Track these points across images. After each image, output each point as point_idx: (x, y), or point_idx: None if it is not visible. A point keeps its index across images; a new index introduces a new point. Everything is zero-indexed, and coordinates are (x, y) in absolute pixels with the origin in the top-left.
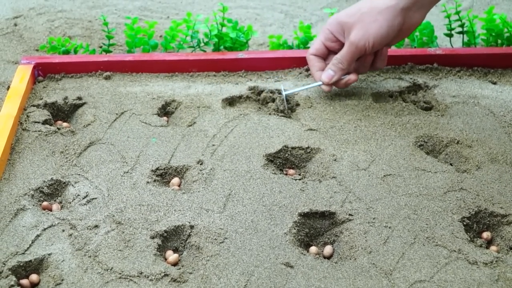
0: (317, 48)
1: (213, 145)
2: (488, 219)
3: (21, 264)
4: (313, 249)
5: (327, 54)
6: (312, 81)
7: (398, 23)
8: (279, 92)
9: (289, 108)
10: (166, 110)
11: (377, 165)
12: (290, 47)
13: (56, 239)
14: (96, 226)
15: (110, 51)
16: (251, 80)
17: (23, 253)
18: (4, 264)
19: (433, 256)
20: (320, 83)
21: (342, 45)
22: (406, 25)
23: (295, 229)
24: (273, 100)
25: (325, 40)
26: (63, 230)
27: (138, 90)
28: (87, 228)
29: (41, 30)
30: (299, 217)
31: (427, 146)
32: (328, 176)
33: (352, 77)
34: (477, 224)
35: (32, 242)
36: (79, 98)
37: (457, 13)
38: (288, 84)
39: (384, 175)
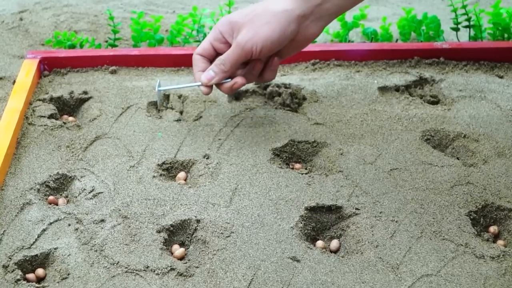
0: (204, 47)
1: (219, 139)
2: (495, 213)
3: (27, 258)
4: (319, 243)
5: (214, 55)
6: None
7: (291, 30)
8: (154, 88)
9: (296, 103)
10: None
11: (383, 159)
12: None
13: (62, 234)
14: (102, 220)
15: (116, 46)
16: None
17: (29, 248)
18: (10, 258)
19: (440, 250)
20: (200, 83)
21: (230, 47)
22: (300, 36)
23: (301, 223)
24: (279, 94)
25: (214, 40)
26: (69, 225)
27: (144, 84)
28: (93, 222)
29: (46, 25)
30: (305, 211)
31: (434, 140)
32: (335, 170)
33: (239, 80)
34: (484, 218)
35: (38, 237)
36: (85, 93)
37: (464, 7)
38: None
39: (391, 169)
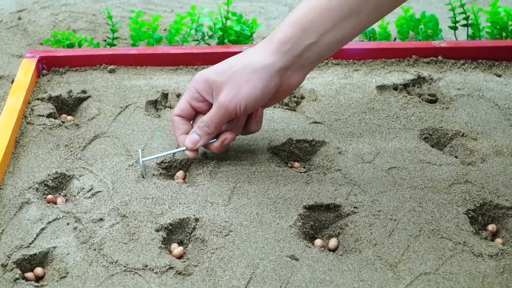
0: (182, 108)
1: None
2: (493, 211)
3: (26, 257)
4: (318, 241)
5: (194, 115)
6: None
7: (274, 84)
8: (137, 160)
9: (294, 101)
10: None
11: (382, 158)
12: None
13: (60, 232)
14: (101, 219)
15: (115, 45)
16: None
17: (28, 247)
18: (9, 257)
19: (438, 249)
20: (184, 148)
21: (210, 105)
22: (283, 87)
23: (300, 221)
24: None
25: (191, 100)
26: (68, 223)
27: (143, 83)
28: (92, 221)
29: (45, 24)
30: (304, 210)
31: (432, 139)
32: (333, 169)
33: (228, 135)
34: (482, 217)
35: (37, 236)
36: (84, 92)
37: (462, 5)
38: None
39: (389, 168)
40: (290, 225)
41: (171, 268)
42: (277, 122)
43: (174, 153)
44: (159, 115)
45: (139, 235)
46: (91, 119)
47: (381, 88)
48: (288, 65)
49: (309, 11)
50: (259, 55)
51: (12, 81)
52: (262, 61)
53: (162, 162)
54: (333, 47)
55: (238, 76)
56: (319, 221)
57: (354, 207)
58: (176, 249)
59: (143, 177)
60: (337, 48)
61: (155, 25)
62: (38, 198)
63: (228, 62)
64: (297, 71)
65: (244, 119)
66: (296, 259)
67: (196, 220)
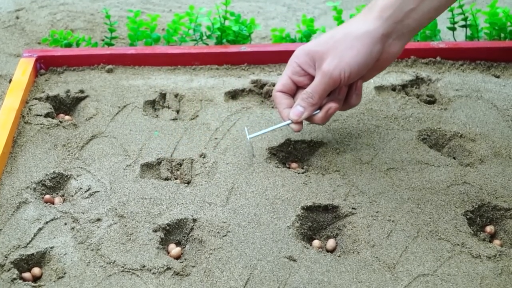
0: (283, 83)
1: (216, 138)
2: (492, 212)
3: (23, 257)
4: (316, 242)
5: (295, 90)
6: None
7: (377, 50)
8: (245, 137)
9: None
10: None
11: (380, 159)
12: (293, 41)
13: (58, 232)
14: (99, 220)
15: (112, 44)
16: (253, 73)
17: (25, 247)
18: (6, 257)
19: (436, 250)
20: (289, 122)
21: (311, 79)
22: (384, 55)
23: (298, 222)
24: None
25: (292, 75)
26: (66, 223)
27: (141, 83)
28: (90, 222)
29: (43, 23)
30: (302, 211)
31: (430, 140)
32: (331, 169)
33: (332, 105)
34: (481, 218)
35: (34, 236)
36: (81, 91)
37: (460, 6)
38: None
39: (387, 169)
40: (288, 226)
41: (168, 268)
42: (275, 123)
43: (279, 128)
44: (157, 115)
45: (136, 235)
46: (89, 119)
47: (380, 89)
48: (389, 32)
49: None
50: (361, 22)
51: (10, 81)
52: (364, 27)
53: (160, 162)
54: (430, 14)
55: (340, 44)
56: (317, 222)
57: (352, 208)
58: (174, 249)
59: (253, 155)
60: (434, 16)
61: (153, 25)
62: (35, 198)
63: (329, 33)
64: (398, 39)
65: (345, 90)
66: (294, 260)
67: (194, 220)
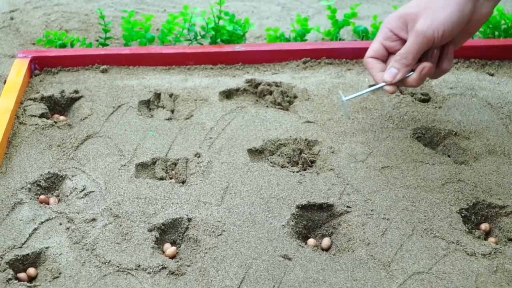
0: (375, 49)
1: (211, 138)
2: (486, 210)
3: (19, 257)
4: (311, 241)
5: (386, 56)
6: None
7: (469, 9)
8: (338, 99)
9: (287, 101)
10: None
11: (374, 157)
12: (287, 40)
13: (53, 233)
14: (94, 220)
15: (107, 45)
16: (248, 72)
17: (21, 247)
18: (1, 257)
19: (431, 248)
20: (383, 84)
21: (403, 43)
22: (475, 16)
23: (293, 221)
24: (271, 93)
25: (384, 40)
26: (61, 224)
27: (135, 83)
28: (85, 222)
29: (37, 24)
30: (297, 210)
31: (425, 138)
32: (326, 168)
33: (426, 64)
34: (475, 216)
35: (30, 236)
36: (76, 92)
37: None
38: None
39: (382, 167)
40: (283, 225)
41: (164, 268)
42: (270, 122)
43: (374, 90)
44: (152, 115)
45: (131, 235)
46: (84, 119)
47: None
48: None
49: None
50: None
51: (5, 82)
52: None
53: (155, 162)
54: None
55: (433, 4)
56: (312, 221)
57: (347, 207)
58: (169, 249)
59: (348, 118)
60: None
61: (147, 25)
62: (30, 199)
63: None
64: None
65: (437, 54)
66: (289, 259)
67: (189, 220)
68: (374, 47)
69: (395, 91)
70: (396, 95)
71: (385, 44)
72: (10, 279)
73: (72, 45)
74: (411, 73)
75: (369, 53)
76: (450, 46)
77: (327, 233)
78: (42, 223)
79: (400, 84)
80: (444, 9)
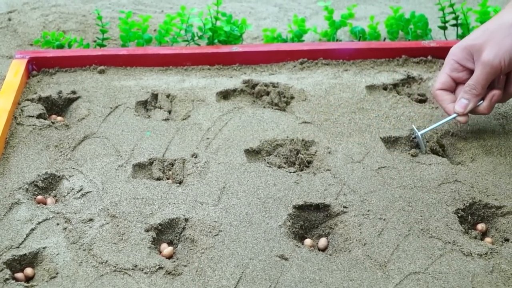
0: (443, 82)
1: (208, 138)
2: (483, 210)
3: (16, 257)
4: (307, 241)
5: (454, 87)
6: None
7: None
8: (411, 134)
9: (284, 102)
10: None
11: (371, 158)
12: (284, 41)
13: (50, 233)
14: (91, 220)
15: (104, 45)
16: (245, 73)
17: (18, 247)
18: None
19: (427, 248)
20: (455, 115)
21: (470, 73)
22: None
23: (289, 221)
24: (268, 93)
25: (451, 72)
26: (58, 224)
27: (132, 84)
28: (82, 222)
29: (35, 25)
30: (293, 210)
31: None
32: (323, 168)
33: (495, 91)
34: (472, 216)
35: (27, 236)
36: (74, 92)
37: (451, 5)
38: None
39: (379, 168)
40: (279, 225)
41: (160, 268)
42: (267, 122)
43: (447, 122)
44: (149, 116)
45: (128, 235)
46: (81, 120)
47: (371, 88)
48: None
49: None
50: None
51: (2, 82)
52: None
53: (152, 162)
54: None
55: (497, 34)
56: (308, 221)
57: (344, 207)
58: (166, 249)
59: (422, 151)
60: None
61: (145, 26)
62: (28, 199)
63: (483, 26)
64: None
65: (504, 80)
66: (286, 259)
67: (186, 220)
68: (442, 79)
69: (467, 121)
70: (393, 95)
71: (452, 75)
72: (7, 279)
73: (69, 46)
74: (481, 102)
75: (437, 85)
76: None
77: (323, 233)
78: (39, 223)
79: (471, 113)
80: (508, 39)
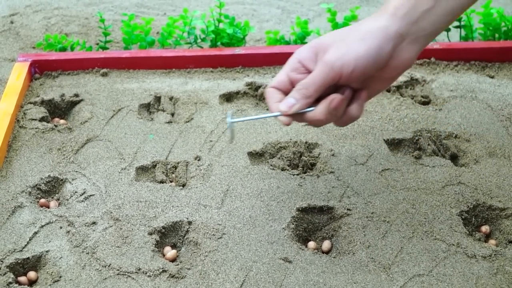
0: (279, 80)
1: (211, 141)
2: (487, 212)
3: (19, 261)
4: (311, 244)
5: (290, 89)
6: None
7: (388, 50)
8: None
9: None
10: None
11: (375, 160)
12: (287, 43)
13: (53, 236)
14: (94, 223)
15: (107, 48)
16: (248, 75)
17: (21, 250)
18: (1, 261)
19: (431, 250)
20: (278, 113)
21: None
22: (394, 61)
23: (293, 224)
24: None
25: (291, 71)
26: (61, 227)
27: (135, 86)
28: (85, 225)
29: (37, 28)
30: (297, 212)
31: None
32: (326, 171)
33: (337, 96)
34: (476, 218)
35: (30, 239)
36: (76, 95)
37: None
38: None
39: (382, 170)
40: (283, 228)
41: (164, 271)
42: (270, 125)
43: (268, 117)
44: (152, 118)
45: (132, 238)
46: (84, 123)
47: None
48: (403, 33)
49: None
50: (373, 19)
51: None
52: (377, 23)
53: (155, 165)
54: (447, 17)
55: (349, 36)
56: (312, 224)
57: (347, 209)
58: (169, 252)
59: (231, 142)
60: (450, 19)
61: (147, 28)
62: (31, 202)
63: (340, 29)
64: (411, 43)
65: (350, 95)
66: (290, 262)
67: (189, 223)
68: (279, 77)
69: (290, 123)
70: (396, 97)
71: (291, 75)
72: (10, 282)
73: (72, 49)
74: (312, 108)
75: (272, 83)
76: (363, 92)
77: (327, 235)
78: (42, 226)
79: (299, 120)
80: (360, 43)
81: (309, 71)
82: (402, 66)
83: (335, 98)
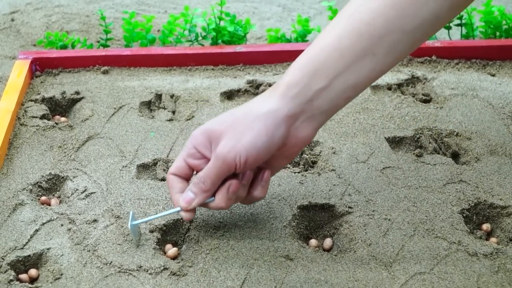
0: (177, 166)
1: None
2: (488, 210)
3: (20, 259)
4: (312, 241)
5: (190, 175)
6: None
7: (281, 134)
8: (127, 222)
9: None
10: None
11: (376, 158)
12: (288, 41)
13: (55, 234)
14: (95, 221)
15: (108, 46)
16: (249, 73)
17: (22, 248)
18: (2, 259)
19: (433, 248)
20: (179, 209)
21: (208, 162)
22: (291, 140)
23: (294, 222)
24: None
25: (188, 157)
26: (62, 225)
27: (136, 84)
28: (86, 223)
29: (38, 25)
30: (298, 210)
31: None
32: (327, 169)
33: (233, 181)
34: (477, 216)
35: (31, 237)
36: (77, 93)
37: None
38: None
39: (383, 168)
40: (284, 225)
41: (165, 269)
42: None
43: (168, 215)
44: (153, 116)
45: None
46: (85, 120)
47: (375, 88)
48: (296, 113)
49: (319, 52)
50: (263, 101)
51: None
52: (267, 106)
53: (156, 163)
54: (347, 93)
55: (239, 124)
56: (313, 221)
57: (349, 207)
58: (171, 250)
59: (137, 245)
60: (351, 95)
61: (148, 26)
62: (32, 200)
63: (231, 111)
64: (307, 121)
65: (251, 176)
66: (291, 259)
67: (191, 221)
68: (177, 163)
69: (192, 217)
70: (397, 95)
71: (189, 161)
72: (11, 280)
73: (73, 46)
74: (212, 198)
75: (171, 169)
76: (266, 172)
77: (328, 233)
78: (43, 224)
79: (204, 207)
80: (249, 132)
81: (205, 157)
82: (301, 144)
83: (231, 183)
